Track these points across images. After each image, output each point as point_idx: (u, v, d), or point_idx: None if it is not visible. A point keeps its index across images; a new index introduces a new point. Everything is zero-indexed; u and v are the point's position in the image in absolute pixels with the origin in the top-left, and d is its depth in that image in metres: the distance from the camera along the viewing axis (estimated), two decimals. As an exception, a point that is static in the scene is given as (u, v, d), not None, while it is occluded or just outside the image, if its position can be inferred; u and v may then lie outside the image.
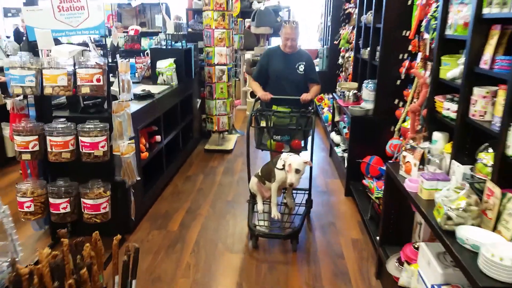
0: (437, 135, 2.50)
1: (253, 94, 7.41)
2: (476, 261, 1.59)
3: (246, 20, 8.13)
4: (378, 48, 3.91)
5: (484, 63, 1.99)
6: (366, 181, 3.78)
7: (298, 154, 3.35)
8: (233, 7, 5.71)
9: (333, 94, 5.39)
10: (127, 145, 3.04)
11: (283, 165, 3.09)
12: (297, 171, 3.01)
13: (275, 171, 3.21)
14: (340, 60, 6.75)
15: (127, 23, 8.94)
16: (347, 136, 4.46)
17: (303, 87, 3.82)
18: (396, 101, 3.77)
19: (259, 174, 3.45)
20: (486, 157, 1.93)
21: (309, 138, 3.58)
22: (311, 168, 3.37)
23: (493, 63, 1.93)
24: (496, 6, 1.90)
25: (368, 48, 4.32)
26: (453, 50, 2.41)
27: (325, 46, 8.10)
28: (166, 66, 4.66)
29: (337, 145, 5.03)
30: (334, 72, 7.17)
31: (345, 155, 4.44)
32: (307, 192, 3.66)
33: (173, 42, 5.20)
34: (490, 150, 1.93)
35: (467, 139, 2.16)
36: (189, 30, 7.35)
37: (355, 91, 4.51)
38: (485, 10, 1.98)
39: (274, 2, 9.32)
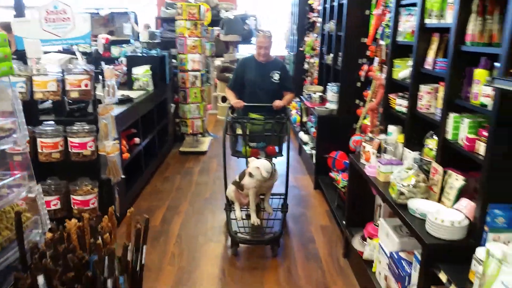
0: (391, 128, 2.87)
1: (224, 99, 7.69)
2: (424, 226, 1.94)
3: (215, 28, 8.42)
4: (340, 54, 4.31)
5: (428, 65, 2.38)
6: (332, 174, 4.14)
7: (271, 160, 3.44)
8: (204, 16, 5.99)
9: (300, 97, 5.76)
10: (112, 145, 3.25)
11: (250, 173, 3.16)
12: (268, 172, 3.11)
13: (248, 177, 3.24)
14: (306, 66, 7.15)
15: (96, 32, 9.02)
16: (314, 135, 4.82)
17: (277, 95, 3.87)
18: (357, 101, 4.16)
19: (237, 180, 3.44)
20: (431, 143, 2.30)
21: (284, 144, 3.71)
22: (287, 173, 3.51)
23: (434, 64, 2.31)
24: (435, 18, 2.29)
25: (331, 54, 4.72)
26: (403, 54, 2.79)
27: (291, 53, 8.50)
28: (142, 72, 4.88)
29: (306, 143, 5.39)
30: (300, 76, 7.57)
31: (313, 152, 4.79)
32: (283, 197, 3.72)
33: (147, 50, 5.41)
34: (435, 136, 2.30)
35: (416, 129, 2.54)
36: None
37: (321, 94, 4.89)
38: (427, 21, 2.37)
39: (241, 11, 9.69)
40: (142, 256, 1.53)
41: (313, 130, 5.06)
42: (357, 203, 3.10)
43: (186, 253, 3.31)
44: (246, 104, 3.80)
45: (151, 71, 5.00)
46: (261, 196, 3.54)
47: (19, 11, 3.17)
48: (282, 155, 3.79)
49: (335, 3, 4.56)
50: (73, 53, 3.11)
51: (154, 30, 6.17)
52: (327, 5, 5.00)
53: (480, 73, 1.85)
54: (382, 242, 2.45)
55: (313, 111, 4.68)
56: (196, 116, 5.88)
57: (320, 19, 5.54)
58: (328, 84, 4.58)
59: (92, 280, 1.23)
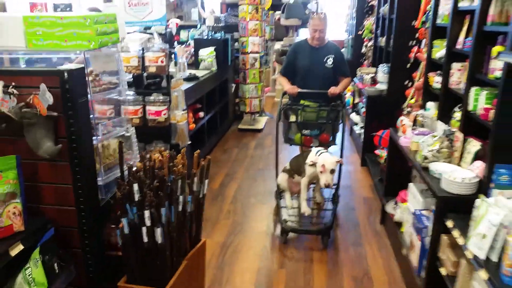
0: (429, 104, 3.12)
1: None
2: (440, 184, 2.23)
3: (276, 12, 8.77)
4: (392, 36, 4.51)
5: (459, 44, 2.61)
6: (378, 151, 4.40)
7: (327, 149, 3.37)
8: (265, 1, 6.39)
9: (354, 79, 6.00)
10: (181, 115, 3.80)
11: (314, 163, 3.07)
12: (332, 171, 3.00)
13: (304, 167, 3.22)
14: (364, 49, 7.31)
15: (167, 17, 9.74)
16: (364, 115, 5.08)
17: (332, 80, 3.76)
18: (406, 82, 4.36)
19: (288, 168, 3.44)
20: (458, 115, 2.55)
21: (339, 133, 3.64)
22: (340, 164, 3.30)
23: (464, 44, 2.54)
24: (467, 1, 2.51)
25: (385, 37, 4.92)
26: (442, 35, 3.00)
27: (350, 36, 8.65)
28: (207, 53, 5.41)
29: (356, 124, 5.66)
30: (358, 60, 7.73)
31: (362, 131, 5.06)
32: (335, 187, 3.59)
33: (213, 33, 5.94)
34: (461, 109, 2.55)
35: (449, 104, 2.78)
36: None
37: (373, 75, 5.12)
38: (460, 4, 2.59)
39: (303, -5, 9.92)
40: (204, 187, 2.01)
41: (363, 110, 5.32)
42: (394, 174, 3.39)
43: (239, 211, 3.81)
44: (300, 90, 3.69)
45: (215, 52, 5.52)
46: (312, 186, 3.47)
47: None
48: (335, 144, 3.73)
49: (390, -13, 4.74)
50: (151, 34, 3.66)
51: (219, 15, 6.67)
52: (383, -11, 5.18)
53: (496, 50, 2.09)
54: (410, 203, 2.75)
55: (364, 92, 4.93)
56: (254, 95, 6.35)
57: (376, 3, 5.71)
58: (380, 65, 4.80)
59: (170, 193, 1.72)
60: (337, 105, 3.59)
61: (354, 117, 5.82)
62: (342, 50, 8.56)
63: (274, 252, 3.16)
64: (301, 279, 2.86)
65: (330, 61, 3.73)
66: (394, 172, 3.37)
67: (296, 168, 3.34)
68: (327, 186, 3.00)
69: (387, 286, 2.79)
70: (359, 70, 5.65)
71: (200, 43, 5.66)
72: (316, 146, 3.34)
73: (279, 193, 3.54)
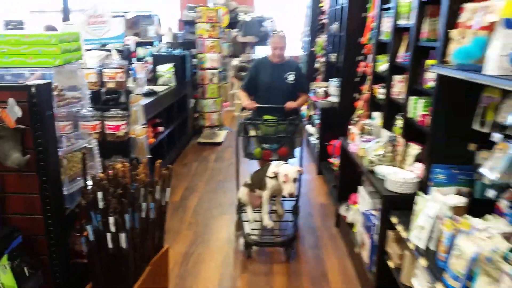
0: (375, 114, 3.38)
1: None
2: (385, 184, 2.45)
3: (233, 30, 9.01)
4: (342, 52, 4.81)
5: (399, 58, 2.88)
6: (332, 159, 4.65)
7: (286, 161, 3.46)
8: (222, 19, 6.59)
9: (309, 93, 6.27)
10: (140, 129, 3.86)
11: (276, 175, 3.12)
12: (295, 180, 3.07)
13: (266, 180, 3.23)
14: (317, 65, 7.66)
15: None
16: (318, 126, 5.33)
17: (293, 96, 3.86)
18: (355, 95, 4.65)
19: (249, 182, 3.45)
20: (400, 122, 2.81)
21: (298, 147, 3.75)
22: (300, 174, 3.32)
23: (404, 58, 2.81)
24: (404, 19, 2.79)
25: (335, 53, 5.23)
26: (384, 51, 3.29)
27: (305, 53, 9.02)
28: (166, 69, 5.50)
29: (311, 135, 5.91)
30: (312, 75, 8.08)
31: (317, 141, 5.30)
32: (295, 199, 3.63)
33: (171, 50, 6.04)
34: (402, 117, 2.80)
35: (391, 113, 3.03)
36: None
37: (325, 88, 5.40)
38: (399, 22, 2.87)
39: (258, 13, 10.25)
40: (166, 195, 2.10)
41: (317, 122, 5.57)
42: (346, 180, 3.61)
43: (201, 222, 3.89)
44: (258, 105, 3.77)
45: (174, 68, 5.62)
46: (273, 198, 3.49)
47: (66, 14, 3.81)
48: (294, 157, 3.78)
49: (338, 7, 5.07)
50: (109, 51, 3.72)
51: (177, 32, 6.79)
52: (333, 8, 5.51)
53: (429, 63, 2.35)
54: (360, 205, 2.96)
55: (317, 105, 5.19)
56: (213, 110, 6.47)
57: (327, 21, 6.05)
58: (331, 79, 5.09)
59: (133, 201, 1.80)
60: (294, 119, 3.68)
61: (309, 128, 6.07)
62: (297, 65, 8.96)
63: (236, 261, 3.26)
64: (262, 283, 2.98)
65: (291, 77, 3.86)
66: (346, 177, 3.59)
67: (257, 182, 3.35)
68: (291, 195, 3.07)
69: (342, 284, 2.97)
70: (313, 85, 5.93)
71: (158, 60, 5.74)
72: (275, 160, 3.38)
73: (240, 207, 3.55)
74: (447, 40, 2.04)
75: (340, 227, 3.68)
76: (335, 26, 5.33)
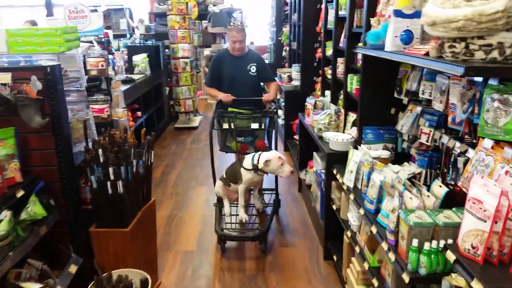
0: (327, 92, 3.95)
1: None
2: (329, 145, 3.02)
3: (203, 21, 9.44)
4: (301, 40, 5.36)
5: (341, 43, 3.45)
6: (296, 136, 5.22)
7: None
8: (191, 11, 7.03)
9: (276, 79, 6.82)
10: (121, 112, 4.31)
11: (261, 163, 3.07)
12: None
13: (241, 173, 3.20)
14: (284, 53, 8.21)
15: (97, 27, 10.00)
16: (283, 108, 5.89)
17: (257, 86, 3.94)
18: (315, 78, 5.22)
19: (224, 176, 3.42)
20: (342, 97, 3.38)
21: (273, 137, 3.66)
22: None
23: (343, 43, 3.38)
24: (343, 10, 3.35)
25: (296, 41, 5.78)
26: (331, 37, 3.85)
27: (272, 42, 9.55)
28: (141, 59, 5.93)
29: (279, 117, 6.46)
30: (280, 63, 8.63)
31: (283, 122, 5.87)
32: (274, 192, 3.74)
33: (144, 41, 6.47)
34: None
35: (337, 89, 3.61)
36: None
37: (289, 74, 5.96)
38: (340, 12, 3.43)
39: (227, 4, 10.71)
40: (151, 156, 2.61)
41: (283, 104, 6.14)
42: (304, 150, 4.18)
43: (181, 192, 4.41)
44: (235, 98, 3.74)
45: (148, 58, 6.05)
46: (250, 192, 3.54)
47: (49, 9, 4.20)
48: (271, 149, 3.63)
49: (297, -1, 5.61)
50: (91, 42, 4.16)
51: (149, 24, 7.20)
52: (293, 0, 6.05)
53: (360, 46, 2.91)
54: (314, 167, 3.54)
55: (282, 88, 5.74)
56: (188, 97, 6.95)
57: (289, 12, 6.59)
58: (293, 65, 5.64)
59: (126, 157, 2.29)
60: (268, 111, 3.67)
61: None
62: (266, 55, 9.49)
63: (211, 221, 3.79)
64: (234, 235, 3.52)
65: (253, 69, 3.87)
66: (304, 147, 4.17)
67: (232, 176, 3.32)
68: (292, 172, 3.13)
69: (303, 233, 3.56)
70: (278, 71, 6.47)
71: (133, 50, 6.16)
72: (253, 152, 3.31)
73: (218, 201, 3.56)
74: (368, 26, 2.60)
75: (302, 191, 4.27)
76: (295, 17, 5.88)
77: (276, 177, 3.56)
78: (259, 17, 11.71)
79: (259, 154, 3.14)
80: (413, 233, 1.66)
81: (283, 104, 6.17)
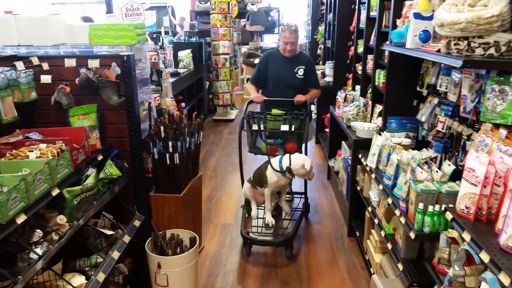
0: (357, 87, 4.28)
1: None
2: (356, 133, 3.36)
3: (242, 20, 9.89)
4: (335, 38, 5.69)
5: (371, 41, 3.77)
6: (327, 129, 5.56)
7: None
8: (232, 10, 7.48)
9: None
10: (170, 101, 4.81)
11: (298, 165, 3.05)
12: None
13: (267, 175, 3.15)
14: (319, 51, 8.53)
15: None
16: (316, 102, 6.23)
17: (302, 91, 3.78)
18: (347, 74, 5.54)
19: (251, 179, 3.37)
20: (370, 90, 3.71)
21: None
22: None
23: (373, 41, 3.70)
24: (374, 11, 3.67)
25: (330, 40, 6.10)
26: (362, 36, 4.17)
27: (307, 41, 9.88)
28: (185, 55, 6.43)
29: (312, 111, 6.80)
30: (315, 61, 8.93)
31: (315, 116, 6.21)
32: (303, 196, 3.67)
33: (189, 38, 6.97)
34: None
35: (367, 84, 3.93)
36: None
37: (322, 70, 6.29)
38: (371, 13, 3.75)
39: (265, 3, 11.12)
40: (200, 136, 3.05)
41: (316, 99, 6.47)
42: (334, 140, 4.52)
43: (220, 175, 4.86)
44: (266, 98, 3.71)
45: (192, 54, 6.55)
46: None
47: (109, 6, 4.77)
48: (301, 151, 3.48)
49: (332, -1, 5.94)
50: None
51: (192, 22, 7.71)
52: (329, 0, 6.37)
53: (386, 43, 3.24)
54: (342, 155, 3.88)
55: (316, 84, 6.08)
56: (226, 91, 7.41)
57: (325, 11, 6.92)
58: (327, 62, 5.97)
59: (182, 134, 2.73)
60: (300, 113, 3.53)
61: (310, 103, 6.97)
62: (301, 52, 9.82)
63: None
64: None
65: (301, 72, 3.76)
66: (334, 137, 4.51)
67: (258, 179, 3.27)
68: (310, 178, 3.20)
69: (329, 214, 3.92)
70: (313, 67, 6.82)
71: (178, 46, 6.67)
72: (281, 155, 3.24)
73: (245, 203, 3.50)
74: (395, 26, 2.93)
75: (331, 179, 4.61)
76: (330, 16, 6.20)
77: (305, 181, 3.49)
78: (296, 16, 12.05)
79: (289, 156, 3.11)
80: (420, 198, 2.00)
81: (315, 99, 6.52)
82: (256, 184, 3.30)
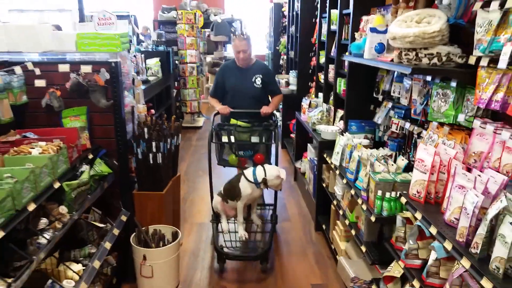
0: (320, 94, 4.64)
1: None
2: (320, 135, 3.69)
3: (206, 30, 10.15)
4: (297, 49, 6.07)
5: (332, 53, 4.14)
6: (292, 135, 5.90)
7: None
8: (198, 20, 7.74)
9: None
10: (142, 107, 4.97)
11: (272, 176, 3.05)
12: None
13: (240, 188, 3.10)
14: (281, 62, 8.93)
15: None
16: (281, 110, 6.58)
17: (263, 99, 3.80)
18: (310, 83, 5.91)
19: (222, 192, 3.31)
20: (332, 97, 4.07)
21: (273, 151, 3.55)
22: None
23: (334, 52, 4.07)
24: (335, 25, 4.05)
25: (293, 50, 6.49)
26: (324, 48, 4.54)
27: (270, 51, 10.28)
28: (154, 63, 6.60)
29: (277, 118, 7.14)
30: (277, 71, 9.34)
31: (281, 122, 6.55)
32: (272, 208, 3.60)
33: (156, 46, 7.15)
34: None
35: (328, 91, 4.30)
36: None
37: (286, 79, 6.65)
38: (331, 27, 4.13)
39: (228, 15, 11.43)
40: (179, 138, 3.26)
41: (280, 106, 6.82)
42: (300, 143, 4.86)
43: (191, 179, 5.06)
44: (232, 110, 3.65)
45: (160, 62, 6.72)
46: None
47: (81, 15, 4.90)
48: (270, 162, 3.51)
49: (295, 12, 6.32)
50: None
51: (160, 32, 7.89)
52: (291, 13, 6.77)
53: (346, 54, 3.61)
54: (308, 156, 4.21)
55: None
56: (194, 98, 7.62)
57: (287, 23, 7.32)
58: (290, 71, 6.34)
59: (164, 135, 2.94)
60: (269, 125, 3.57)
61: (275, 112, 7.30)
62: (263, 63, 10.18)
63: (219, 200, 4.44)
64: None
65: (258, 81, 3.74)
66: (300, 141, 4.84)
67: (229, 193, 3.22)
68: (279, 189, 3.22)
69: (297, 213, 4.22)
70: (277, 77, 7.17)
71: (146, 54, 6.82)
72: (252, 167, 3.24)
73: (215, 217, 3.41)
74: (353, 39, 3.30)
75: (297, 180, 4.93)
76: (292, 29, 6.59)
77: (276, 192, 3.44)
78: (258, 28, 12.45)
79: (263, 167, 3.11)
80: (379, 186, 2.33)
81: (281, 106, 6.87)
82: (228, 198, 3.23)
